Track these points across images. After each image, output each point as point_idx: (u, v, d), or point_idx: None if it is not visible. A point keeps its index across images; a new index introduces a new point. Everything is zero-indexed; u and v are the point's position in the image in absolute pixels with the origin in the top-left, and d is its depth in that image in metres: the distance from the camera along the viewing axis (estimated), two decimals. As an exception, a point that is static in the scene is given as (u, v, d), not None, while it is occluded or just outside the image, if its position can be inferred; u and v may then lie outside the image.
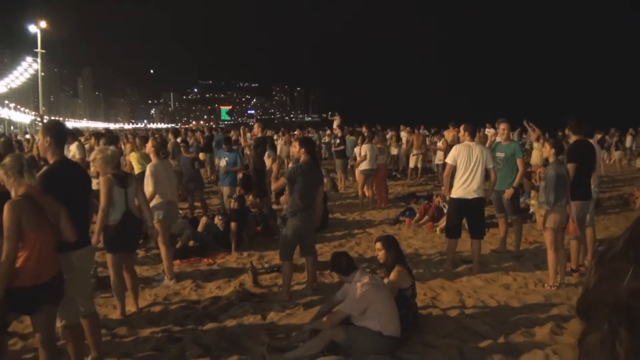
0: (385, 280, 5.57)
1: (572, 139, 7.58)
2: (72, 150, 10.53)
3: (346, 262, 5.45)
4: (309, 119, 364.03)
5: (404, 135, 21.32)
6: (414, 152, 18.88)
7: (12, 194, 4.02)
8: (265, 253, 8.89)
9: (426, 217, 11.06)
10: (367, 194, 13.72)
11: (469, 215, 7.82)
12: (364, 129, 16.88)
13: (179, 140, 15.25)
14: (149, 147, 7.84)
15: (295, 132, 24.78)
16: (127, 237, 6.24)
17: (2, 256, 3.80)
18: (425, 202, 12.01)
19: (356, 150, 14.31)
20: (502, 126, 8.67)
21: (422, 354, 5.01)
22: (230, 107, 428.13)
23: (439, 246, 9.17)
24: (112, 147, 7.06)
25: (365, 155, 12.99)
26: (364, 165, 13.07)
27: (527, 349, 4.98)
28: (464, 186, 7.63)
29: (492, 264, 8.07)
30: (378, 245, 5.85)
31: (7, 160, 4.09)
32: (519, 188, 8.84)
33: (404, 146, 20.81)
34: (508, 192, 8.34)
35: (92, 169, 7.54)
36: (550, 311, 6.01)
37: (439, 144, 16.93)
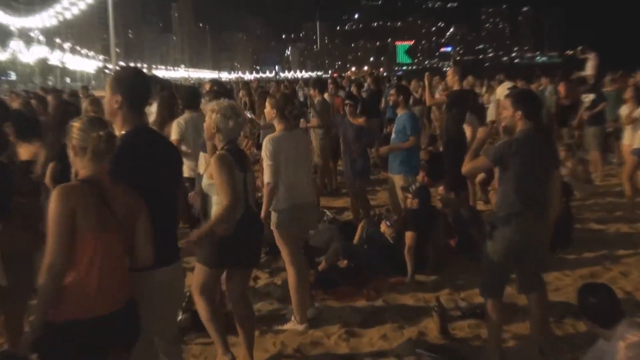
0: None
1: None
2: (153, 113, 10.37)
3: (605, 304, 5.28)
4: (543, 59, 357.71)
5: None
6: None
7: (72, 175, 4.13)
8: (460, 283, 8.89)
9: None
10: (639, 187, 13.09)
11: None
12: (631, 80, 16.12)
13: (326, 96, 15.36)
14: (267, 109, 7.65)
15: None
16: (243, 247, 6.19)
17: (42, 270, 3.81)
18: None
19: (622, 111, 13.65)
20: None
21: None
22: (412, 43, 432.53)
23: None
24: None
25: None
26: (637, 142, 12.43)
27: None
28: None
29: None
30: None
31: (73, 129, 4.13)
32: None
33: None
34: None
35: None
36: None
37: None
